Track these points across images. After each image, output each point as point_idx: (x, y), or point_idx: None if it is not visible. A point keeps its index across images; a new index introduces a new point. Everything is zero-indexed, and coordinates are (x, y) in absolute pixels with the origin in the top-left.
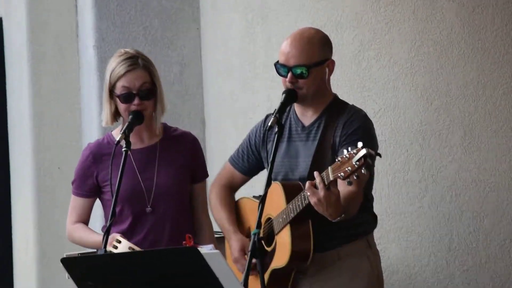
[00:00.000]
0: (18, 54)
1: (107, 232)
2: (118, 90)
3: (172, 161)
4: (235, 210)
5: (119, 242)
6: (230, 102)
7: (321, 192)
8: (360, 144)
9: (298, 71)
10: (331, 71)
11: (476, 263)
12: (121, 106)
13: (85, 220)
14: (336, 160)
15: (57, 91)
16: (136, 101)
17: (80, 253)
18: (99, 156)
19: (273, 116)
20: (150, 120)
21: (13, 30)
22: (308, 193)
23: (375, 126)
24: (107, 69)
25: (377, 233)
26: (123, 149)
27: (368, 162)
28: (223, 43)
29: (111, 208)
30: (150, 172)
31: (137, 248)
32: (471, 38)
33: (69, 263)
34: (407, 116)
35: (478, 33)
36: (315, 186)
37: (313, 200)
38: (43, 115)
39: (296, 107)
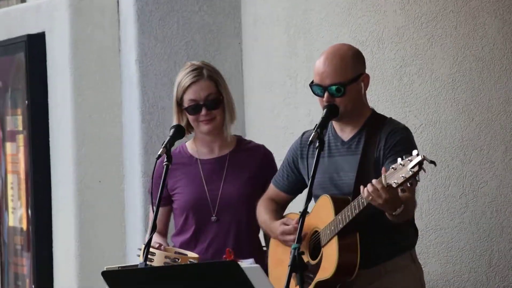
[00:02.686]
0: (60, 69)
1: (147, 245)
2: (186, 102)
3: (240, 173)
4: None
5: (153, 254)
6: (271, 117)
7: (378, 185)
8: (415, 152)
9: (334, 89)
10: (366, 86)
11: None
12: (190, 118)
13: (161, 229)
14: (391, 168)
15: (99, 105)
16: (203, 112)
17: (121, 266)
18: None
19: (314, 131)
20: (220, 129)
21: (56, 45)
22: (367, 189)
23: (416, 141)
24: (175, 83)
25: (417, 248)
26: (164, 163)
27: (423, 169)
28: (265, 58)
29: (152, 221)
30: (216, 182)
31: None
32: None
33: (110, 276)
34: (448, 132)
35: None
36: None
37: (371, 193)
38: (84, 129)
39: (335, 123)
